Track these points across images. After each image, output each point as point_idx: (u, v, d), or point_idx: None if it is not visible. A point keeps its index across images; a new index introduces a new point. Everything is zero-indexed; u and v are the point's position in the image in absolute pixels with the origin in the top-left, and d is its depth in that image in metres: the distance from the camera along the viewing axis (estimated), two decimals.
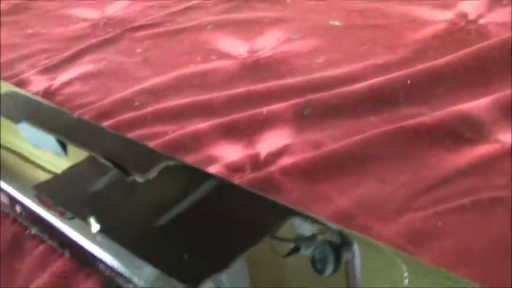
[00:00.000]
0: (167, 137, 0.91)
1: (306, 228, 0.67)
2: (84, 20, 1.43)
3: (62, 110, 1.02)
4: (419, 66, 0.93)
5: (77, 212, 0.75)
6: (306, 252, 0.64)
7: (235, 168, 0.83)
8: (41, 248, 0.78)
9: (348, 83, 0.93)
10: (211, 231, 0.70)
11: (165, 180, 0.80)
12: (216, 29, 1.24)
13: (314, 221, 0.67)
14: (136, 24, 1.33)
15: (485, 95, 0.85)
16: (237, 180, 0.79)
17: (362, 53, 1.03)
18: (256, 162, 0.84)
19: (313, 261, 0.62)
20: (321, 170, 0.79)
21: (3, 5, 1.59)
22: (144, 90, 1.06)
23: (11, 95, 1.09)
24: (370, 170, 0.78)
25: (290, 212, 0.69)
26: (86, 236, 0.72)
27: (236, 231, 0.69)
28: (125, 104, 1.03)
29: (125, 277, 0.66)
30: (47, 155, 0.91)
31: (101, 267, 0.69)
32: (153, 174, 0.80)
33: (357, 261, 0.63)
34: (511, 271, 0.60)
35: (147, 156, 0.86)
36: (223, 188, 0.77)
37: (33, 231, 0.80)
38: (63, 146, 0.89)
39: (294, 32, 1.15)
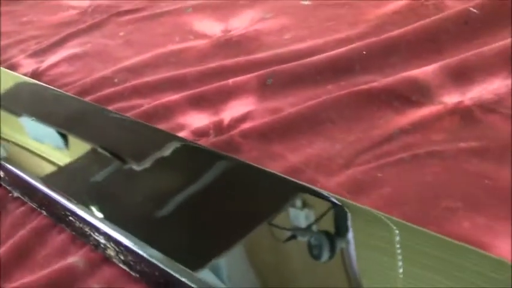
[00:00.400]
0: (142, 108, 0.98)
1: (303, 215, 0.68)
2: (74, 7, 1.50)
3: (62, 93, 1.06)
4: (375, 38, 0.98)
5: (76, 197, 0.77)
6: (303, 238, 0.66)
7: (200, 133, 0.89)
8: (22, 208, 0.84)
9: (310, 56, 0.99)
10: (213, 215, 0.71)
11: (163, 164, 0.82)
12: (195, 12, 1.30)
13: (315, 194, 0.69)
14: (122, 9, 1.40)
15: (435, 63, 0.90)
16: (202, 143, 0.85)
17: (327, 29, 1.09)
18: (219, 128, 0.90)
19: (310, 248, 0.64)
20: (277, 132, 0.85)
21: None
22: (123, 69, 1.13)
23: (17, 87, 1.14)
24: (321, 131, 0.84)
25: (293, 191, 0.70)
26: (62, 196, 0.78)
27: (239, 215, 0.70)
28: (106, 81, 1.10)
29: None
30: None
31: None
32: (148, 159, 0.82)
33: (352, 248, 0.63)
34: (437, 212, 0.66)
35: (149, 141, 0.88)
36: (227, 170, 0.78)
37: (15, 194, 0.86)
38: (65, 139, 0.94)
39: (267, 11, 1.21)
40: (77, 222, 0.74)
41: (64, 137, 0.93)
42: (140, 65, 1.13)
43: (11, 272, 0.73)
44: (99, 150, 0.87)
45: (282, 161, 0.80)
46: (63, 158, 0.90)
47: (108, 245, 0.70)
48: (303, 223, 0.67)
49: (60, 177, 0.85)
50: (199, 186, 0.75)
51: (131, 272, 0.69)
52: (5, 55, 1.31)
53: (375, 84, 0.89)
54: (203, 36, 1.19)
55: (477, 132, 0.76)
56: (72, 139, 0.91)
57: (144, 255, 0.65)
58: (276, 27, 1.15)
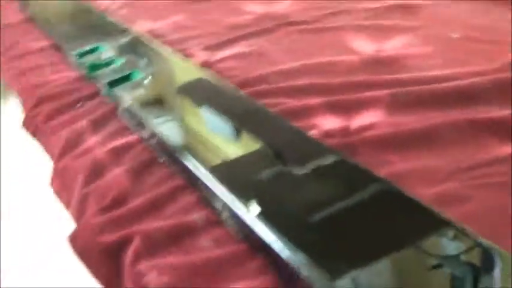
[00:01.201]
0: (284, 106, 1.11)
1: (453, 245, 0.71)
2: (250, 13, 1.67)
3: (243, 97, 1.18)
4: (503, 75, 1.06)
5: (236, 189, 0.85)
6: (448, 268, 0.68)
7: (328, 134, 1.01)
8: (164, 171, 1.00)
9: (442, 82, 1.09)
10: (361, 229, 0.75)
11: (323, 174, 0.88)
12: (354, 31, 1.42)
13: (464, 237, 0.71)
14: (292, 20, 1.55)
15: None
16: (327, 143, 0.97)
17: (465, 61, 1.17)
18: (346, 132, 1.01)
19: (452, 279, 0.67)
20: (392, 142, 0.96)
21: None
22: (278, 71, 1.27)
23: (199, 81, 1.27)
24: (432, 148, 0.94)
25: (443, 226, 0.73)
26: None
27: (387, 234, 0.73)
28: (261, 79, 1.24)
29: None
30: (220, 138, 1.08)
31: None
32: (311, 167, 0.89)
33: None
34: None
35: (308, 148, 0.96)
36: (381, 191, 0.82)
37: (162, 160, 1.03)
38: (237, 133, 1.04)
39: (418, 39, 1.32)
40: (205, 189, 0.89)
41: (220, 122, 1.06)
42: (293, 70, 1.26)
43: (141, 218, 0.89)
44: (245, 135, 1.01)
45: (390, 166, 0.91)
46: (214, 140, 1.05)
47: (224, 211, 0.84)
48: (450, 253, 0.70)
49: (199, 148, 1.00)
50: (342, 193, 0.82)
51: (238, 235, 0.82)
52: (182, 46, 1.50)
53: (491, 115, 0.97)
54: (355, 52, 1.31)
55: None
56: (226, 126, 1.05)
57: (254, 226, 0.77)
58: (421, 53, 1.25)
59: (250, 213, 0.79)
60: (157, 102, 1.22)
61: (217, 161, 0.99)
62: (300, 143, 0.97)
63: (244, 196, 0.83)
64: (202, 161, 0.95)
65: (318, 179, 0.87)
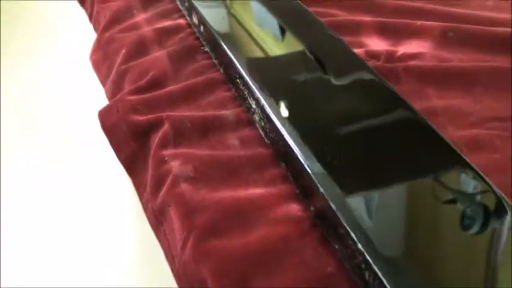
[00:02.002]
0: (335, 18, 1.11)
1: (469, 184, 0.72)
2: None
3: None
4: None
5: (272, 91, 0.86)
6: (460, 205, 0.69)
7: (373, 55, 1.01)
8: (206, 61, 1.01)
9: (498, 26, 1.07)
10: (384, 151, 0.76)
11: (358, 89, 0.88)
12: None
13: (480, 179, 0.71)
14: None
15: None
16: (370, 63, 0.97)
17: None
18: (390, 56, 1.01)
19: (463, 216, 0.67)
20: (435, 77, 0.95)
21: None
22: None
23: None
24: (472, 90, 0.93)
25: (462, 164, 0.73)
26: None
27: (407, 161, 0.74)
28: None
29: None
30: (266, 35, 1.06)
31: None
32: (347, 80, 0.90)
33: (504, 233, 0.66)
34: None
35: (350, 62, 0.94)
36: (410, 117, 0.82)
37: (206, 49, 1.04)
38: (283, 32, 1.05)
39: None
40: (242, 85, 0.89)
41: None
42: None
43: (174, 104, 0.91)
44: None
45: (426, 101, 0.91)
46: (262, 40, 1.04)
47: (257, 111, 0.85)
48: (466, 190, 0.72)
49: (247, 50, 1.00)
50: (372, 114, 0.82)
51: (265, 139, 0.84)
52: None
53: None
54: None
55: None
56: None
57: (282, 131, 0.78)
58: None
59: (279, 115, 0.80)
60: None
61: (258, 56, 0.99)
62: (343, 57, 0.96)
63: (277, 97, 0.84)
64: (244, 56, 0.96)
65: (352, 94, 0.87)
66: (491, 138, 0.83)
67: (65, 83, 2.32)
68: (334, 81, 0.89)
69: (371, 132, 0.80)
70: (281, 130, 0.78)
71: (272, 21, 1.05)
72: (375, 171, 0.73)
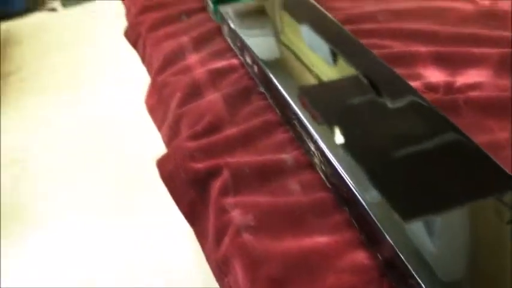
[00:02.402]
0: (390, 50, 1.09)
1: None
2: None
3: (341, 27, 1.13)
4: None
5: (325, 117, 0.86)
6: None
7: (431, 87, 0.99)
8: (262, 102, 1.00)
9: None
10: (441, 176, 0.75)
11: (412, 114, 0.88)
12: None
13: None
14: None
15: None
16: (428, 97, 0.95)
17: None
18: (449, 88, 0.98)
19: None
20: (496, 108, 0.93)
21: None
22: (391, 11, 1.23)
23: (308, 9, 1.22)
24: None
25: None
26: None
27: (465, 184, 0.74)
28: (370, 16, 1.21)
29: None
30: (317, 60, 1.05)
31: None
32: (400, 104, 0.90)
33: None
34: None
35: (401, 88, 0.94)
36: (463, 142, 0.81)
37: (261, 89, 1.03)
38: (334, 57, 1.04)
39: None
40: (299, 127, 0.88)
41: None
42: (405, 11, 1.22)
43: (234, 149, 0.90)
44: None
45: (490, 134, 0.88)
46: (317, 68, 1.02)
47: (316, 154, 0.83)
48: None
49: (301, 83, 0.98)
50: (431, 143, 0.82)
51: (326, 183, 0.82)
52: None
53: None
54: (472, 0, 1.26)
55: None
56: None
57: (340, 171, 0.77)
58: None
59: (339, 158, 0.79)
60: (262, 26, 1.20)
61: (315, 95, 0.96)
62: (400, 92, 0.93)
63: (336, 140, 0.83)
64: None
65: (412, 135, 0.84)
66: None
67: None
68: (398, 123, 0.86)
69: (437, 174, 0.77)
70: (342, 174, 0.76)
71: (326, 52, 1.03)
72: (444, 212, 0.70)
